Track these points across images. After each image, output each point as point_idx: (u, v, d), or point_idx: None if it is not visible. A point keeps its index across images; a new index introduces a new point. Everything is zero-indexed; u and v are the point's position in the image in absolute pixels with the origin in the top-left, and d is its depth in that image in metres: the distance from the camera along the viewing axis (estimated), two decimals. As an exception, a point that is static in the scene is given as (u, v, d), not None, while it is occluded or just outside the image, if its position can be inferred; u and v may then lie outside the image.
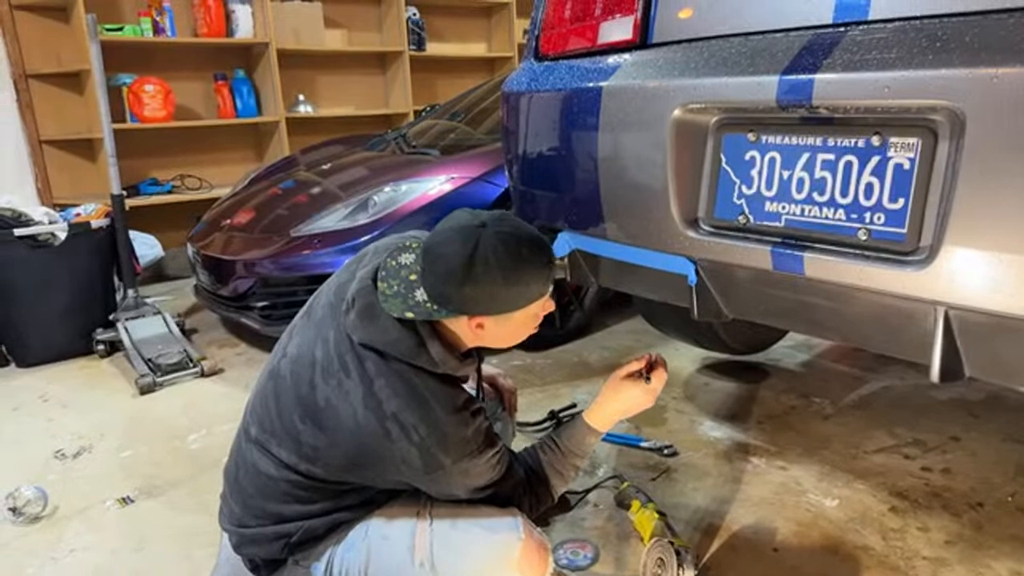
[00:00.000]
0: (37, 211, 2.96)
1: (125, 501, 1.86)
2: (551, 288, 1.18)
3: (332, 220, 2.64)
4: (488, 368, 1.58)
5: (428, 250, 1.11)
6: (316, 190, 2.93)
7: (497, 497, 1.22)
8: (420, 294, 1.11)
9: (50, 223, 2.87)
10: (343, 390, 1.13)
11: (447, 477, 1.14)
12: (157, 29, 4.06)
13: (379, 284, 1.14)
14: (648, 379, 1.30)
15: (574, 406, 2.24)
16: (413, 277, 1.12)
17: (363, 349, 1.14)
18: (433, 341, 1.14)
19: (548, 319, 2.77)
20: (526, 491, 1.27)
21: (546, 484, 1.29)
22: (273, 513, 1.21)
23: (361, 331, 1.14)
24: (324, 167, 3.25)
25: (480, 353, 1.33)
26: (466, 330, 1.16)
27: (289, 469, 1.18)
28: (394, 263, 1.14)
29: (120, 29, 3.94)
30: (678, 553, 1.35)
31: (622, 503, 1.68)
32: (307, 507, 1.20)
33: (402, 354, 1.13)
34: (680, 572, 1.33)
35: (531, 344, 2.74)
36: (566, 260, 1.73)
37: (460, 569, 1.15)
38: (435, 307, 1.11)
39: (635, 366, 1.33)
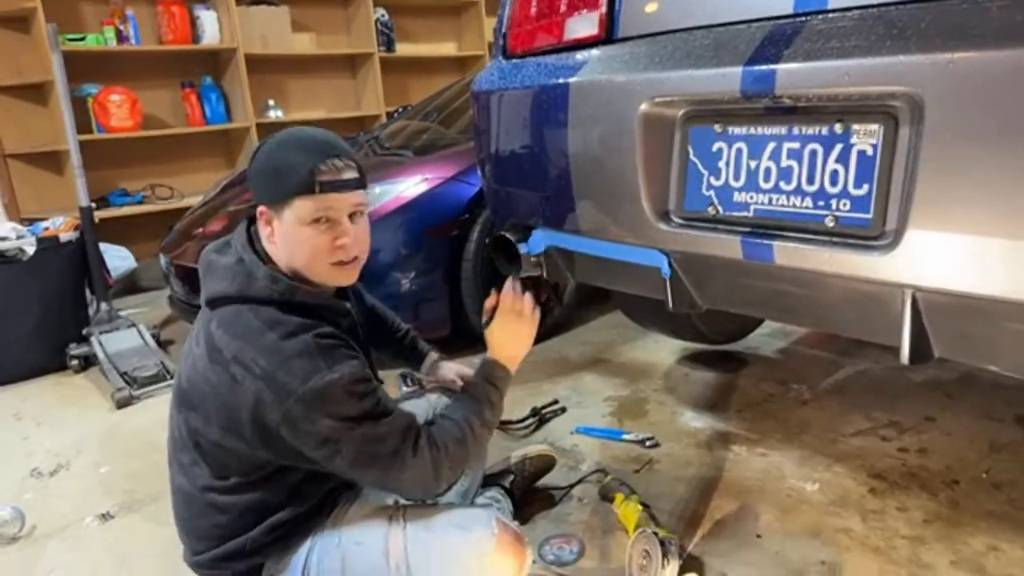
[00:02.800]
0: (4, 227, 2.91)
1: (105, 517, 1.83)
2: (324, 196, 1.13)
3: (306, 225, 2.61)
4: (459, 365, 1.58)
5: None
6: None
7: (388, 439, 1.10)
8: None
9: (18, 238, 2.82)
10: (195, 362, 1.16)
11: (305, 407, 1.06)
12: (121, 38, 4.01)
13: None
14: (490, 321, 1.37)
15: (556, 402, 2.25)
16: None
17: (210, 311, 1.17)
18: (259, 265, 1.17)
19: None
20: (423, 433, 1.15)
21: (455, 420, 1.20)
22: (209, 530, 1.20)
23: (205, 290, 1.19)
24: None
25: (347, 294, 1.32)
26: (267, 233, 1.18)
27: (197, 468, 1.18)
28: None
29: (83, 38, 3.88)
30: (663, 543, 1.36)
31: (606, 496, 1.69)
32: (233, 515, 1.18)
33: (236, 290, 1.15)
34: (665, 562, 1.34)
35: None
36: (542, 257, 1.73)
37: (436, 570, 1.14)
38: None
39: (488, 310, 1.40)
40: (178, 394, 1.20)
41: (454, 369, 1.56)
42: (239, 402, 1.09)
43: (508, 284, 1.39)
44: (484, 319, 1.38)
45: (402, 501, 1.32)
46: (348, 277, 1.22)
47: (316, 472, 1.19)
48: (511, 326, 1.35)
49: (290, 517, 1.19)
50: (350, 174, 1.16)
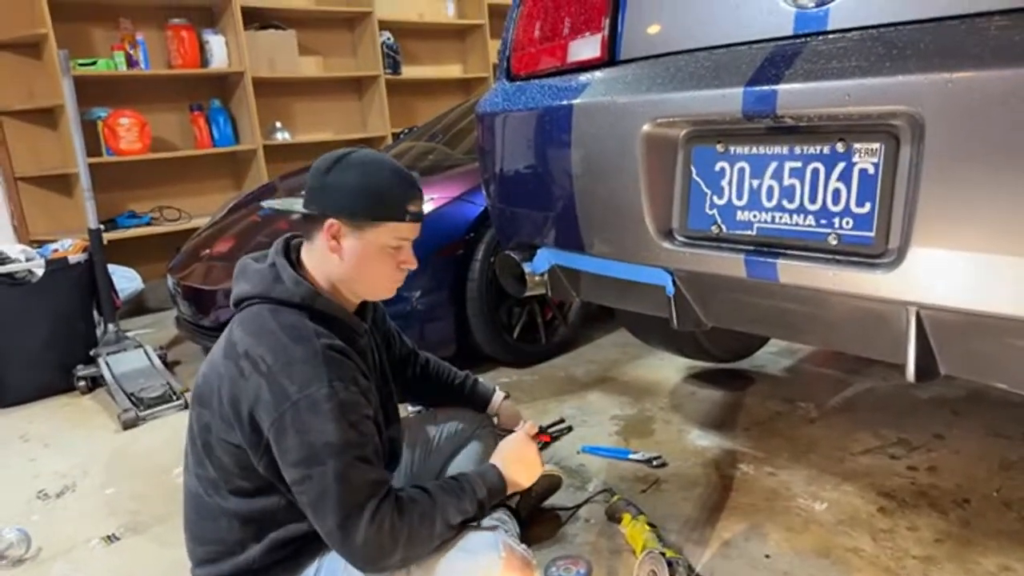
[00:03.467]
0: (14, 249, 2.94)
1: (110, 539, 1.83)
2: (411, 225, 1.22)
3: (313, 246, 2.63)
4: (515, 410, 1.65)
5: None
6: (296, 216, 2.93)
7: (357, 486, 1.08)
8: (298, 204, 1.24)
9: (27, 260, 2.85)
10: (212, 358, 1.20)
11: (296, 416, 1.07)
12: (131, 62, 4.06)
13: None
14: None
15: (562, 421, 2.24)
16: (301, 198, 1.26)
17: (236, 312, 1.22)
18: (287, 269, 1.20)
19: (534, 335, 2.74)
20: (392, 495, 1.11)
21: (430, 496, 1.17)
22: (212, 534, 1.21)
23: (233, 292, 1.23)
24: (303, 193, 3.24)
25: (368, 307, 1.35)
26: (324, 245, 1.21)
27: (203, 469, 1.20)
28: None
29: (93, 63, 3.93)
30: (670, 564, 1.35)
31: (613, 516, 1.68)
32: (235, 523, 1.19)
33: (261, 291, 1.19)
34: (672, 583, 1.33)
35: (517, 360, 2.76)
36: (546, 276, 1.74)
37: None
38: (302, 206, 1.22)
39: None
40: (194, 393, 1.23)
41: (517, 413, 1.64)
42: (241, 396, 1.12)
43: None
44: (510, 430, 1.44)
45: None
46: (390, 292, 1.29)
47: None
48: (528, 453, 1.37)
49: (295, 535, 1.18)
50: (423, 208, 1.25)
